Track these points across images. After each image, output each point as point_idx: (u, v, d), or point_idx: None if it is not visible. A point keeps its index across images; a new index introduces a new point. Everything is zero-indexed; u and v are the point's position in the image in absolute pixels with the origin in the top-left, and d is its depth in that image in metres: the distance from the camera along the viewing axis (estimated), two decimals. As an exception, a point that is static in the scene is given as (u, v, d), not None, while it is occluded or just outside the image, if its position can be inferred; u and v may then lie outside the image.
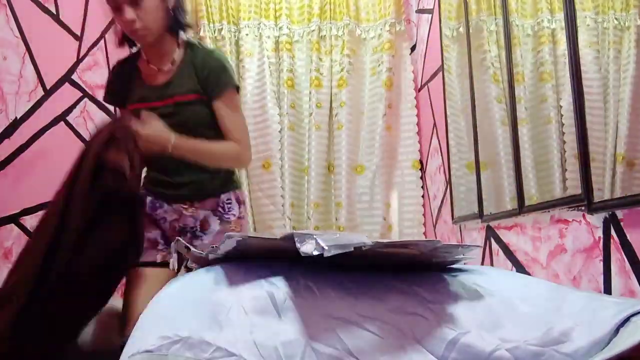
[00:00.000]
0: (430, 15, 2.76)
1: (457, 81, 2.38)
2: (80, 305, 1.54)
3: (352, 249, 1.01)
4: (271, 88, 2.90)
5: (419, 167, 2.92)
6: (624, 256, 1.28)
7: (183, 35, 1.92)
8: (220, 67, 1.87)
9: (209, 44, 2.84)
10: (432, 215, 2.78)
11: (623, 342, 0.95)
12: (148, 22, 1.77)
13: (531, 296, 1.19)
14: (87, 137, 2.32)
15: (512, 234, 1.86)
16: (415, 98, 2.96)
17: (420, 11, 2.98)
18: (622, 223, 1.29)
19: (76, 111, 2.82)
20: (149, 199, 1.91)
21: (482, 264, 2.09)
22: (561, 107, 1.56)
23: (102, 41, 2.53)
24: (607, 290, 1.34)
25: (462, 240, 2.35)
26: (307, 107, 2.94)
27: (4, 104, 2.73)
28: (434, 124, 2.71)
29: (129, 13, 1.74)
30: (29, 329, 1.43)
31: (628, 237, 1.27)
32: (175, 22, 1.86)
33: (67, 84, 2.81)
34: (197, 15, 2.91)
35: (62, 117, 2.80)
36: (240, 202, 1.96)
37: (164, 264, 1.79)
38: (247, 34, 2.92)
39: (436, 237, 2.73)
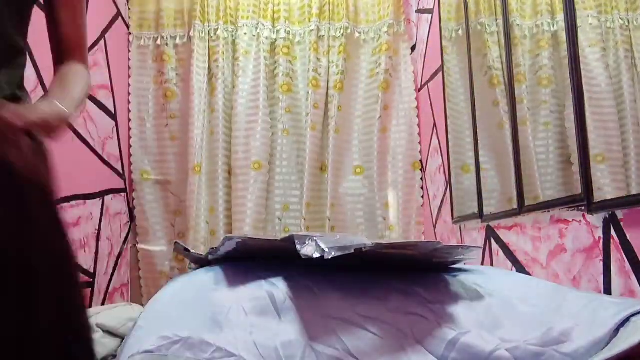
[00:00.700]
0: (430, 16, 2.76)
1: (457, 81, 2.39)
2: None
3: (353, 251, 1.01)
4: (264, 89, 2.90)
5: (419, 167, 2.92)
6: (624, 256, 1.28)
7: None
8: None
9: (199, 44, 2.86)
10: (432, 215, 2.78)
11: (623, 342, 0.95)
12: None
13: (531, 296, 1.19)
14: (87, 137, 2.32)
15: (512, 234, 1.86)
16: (416, 98, 2.96)
17: (420, 11, 2.98)
18: (622, 223, 1.29)
19: (76, 111, 2.82)
20: None
21: (482, 264, 2.09)
22: (564, 106, 1.56)
23: (102, 41, 2.53)
24: (607, 290, 1.34)
25: (462, 240, 2.35)
26: (305, 107, 2.93)
27: (4, 105, 2.72)
28: (434, 124, 2.71)
29: None
30: None
31: (628, 237, 1.27)
32: None
33: (67, 84, 2.81)
34: (190, 15, 2.91)
35: (62, 118, 2.79)
36: None
37: None
38: (245, 33, 2.92)
39: (436, 237, 2.73)
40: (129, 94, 2.86)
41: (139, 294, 2.78)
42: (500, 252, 1.94)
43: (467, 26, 2.21)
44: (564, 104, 1.54)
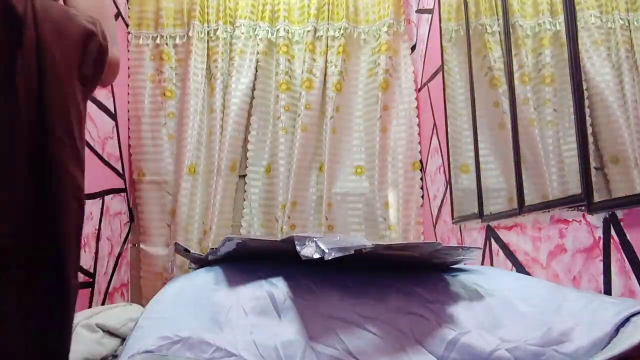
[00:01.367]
0: (430, 15, 2.76)
1: (457, 81, 2.38)
2: None
3: (353, 252, 1.01)
4: (260, 87, 2.90)
5: (419, 167, 2.92)
6: (624, 256, 1.28)
7: None
8: None
9: (198, 44, 2.86)
10: (432, 215, 2.78)
11: (623, 342, 0.95)
12: None
13: (531, 296, 1.19)
14: (87, 136, 2.32)
15: (512, 234, 1.86)
16: (416, 98, 2.96)
17: (420, 11, 2.97)
18: (622, 223, 1.29)
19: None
20: None
21: (482, 264, 2.09)
22: (565, 105, 1.56)
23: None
24: (607, 290, 1.34)
25: (462, 240, 2.35)
26: (302, 108, 2.93)
27: (4, 104, 2.72)
28: (434, 124, 2.71)
29: None
30: None
31: (628, 237, 1.27)
32: None
33: (67, 84, 2.81)
34: (189, 15, 2.91)
35: (62, 117, 2.79)
36: None
37: None
38: (242, 33, 2.92)
39: (436, 237, 2.73)
40: (128, 94, 2.86)
41: (139, 294, 2.78)
42: (500, 252, 1.94)
43: (467, 26, 2.21)
44: (566, 103, 1.54)
